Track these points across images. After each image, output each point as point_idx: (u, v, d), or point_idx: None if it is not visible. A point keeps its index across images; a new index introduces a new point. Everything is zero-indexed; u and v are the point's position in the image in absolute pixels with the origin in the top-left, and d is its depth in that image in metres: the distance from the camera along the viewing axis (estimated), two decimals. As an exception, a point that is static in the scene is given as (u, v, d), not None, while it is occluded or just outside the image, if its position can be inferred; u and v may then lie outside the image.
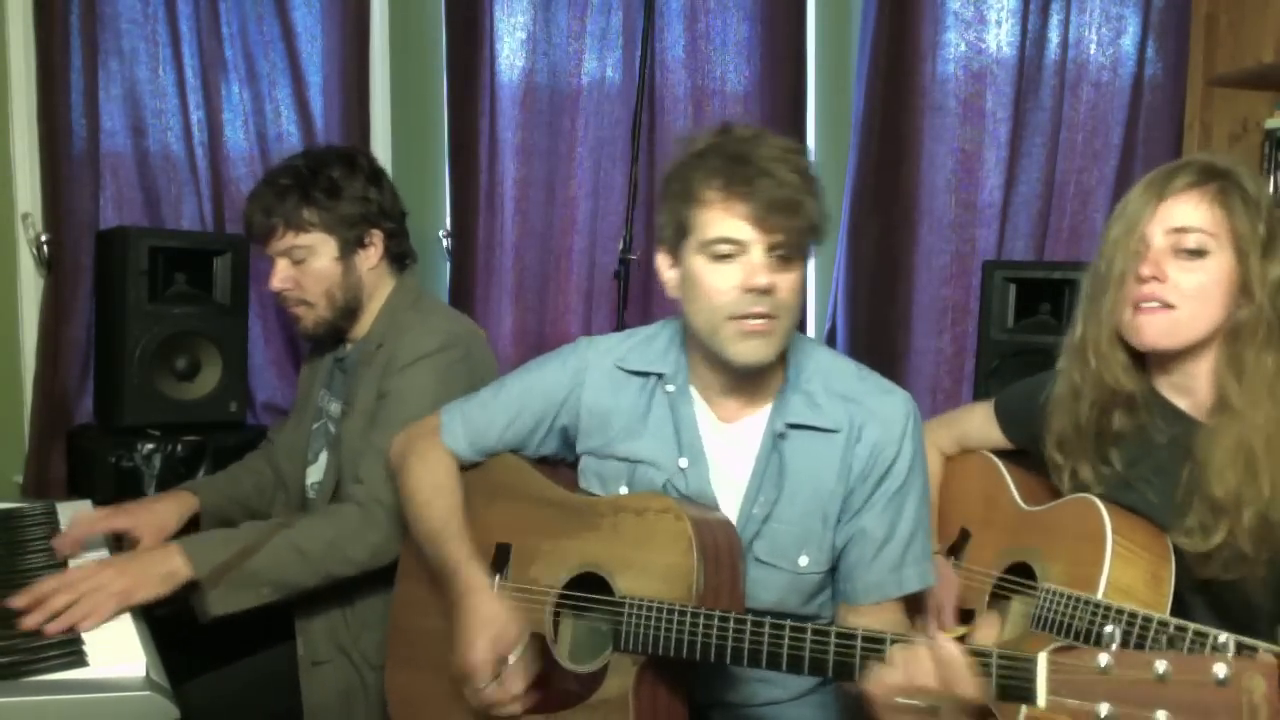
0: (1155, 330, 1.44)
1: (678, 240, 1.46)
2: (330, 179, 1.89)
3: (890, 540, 1.49)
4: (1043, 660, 1.00)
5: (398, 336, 1.88)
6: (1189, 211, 1.43)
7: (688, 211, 1.43)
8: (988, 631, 1.07)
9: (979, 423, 1.81)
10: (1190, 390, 1.49)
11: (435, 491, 1.62)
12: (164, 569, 1.58)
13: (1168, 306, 1.43)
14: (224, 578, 1.64)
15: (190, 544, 1.65)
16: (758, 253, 1.39)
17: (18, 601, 1.42)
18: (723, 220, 1.39)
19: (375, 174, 1.96)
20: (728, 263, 1.40)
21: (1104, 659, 0.95)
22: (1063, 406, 1.56)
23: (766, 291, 1.39)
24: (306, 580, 1.72)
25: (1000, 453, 1.79)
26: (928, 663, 1.07)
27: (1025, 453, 1.77)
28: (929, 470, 1.80)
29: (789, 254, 1.41)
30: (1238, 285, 1.43)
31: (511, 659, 1.42)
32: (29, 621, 1.39)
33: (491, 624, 1.43)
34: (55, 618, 1.40)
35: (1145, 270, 1.43)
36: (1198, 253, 1.42)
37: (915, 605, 1.59)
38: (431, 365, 1.83)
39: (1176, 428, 1.49)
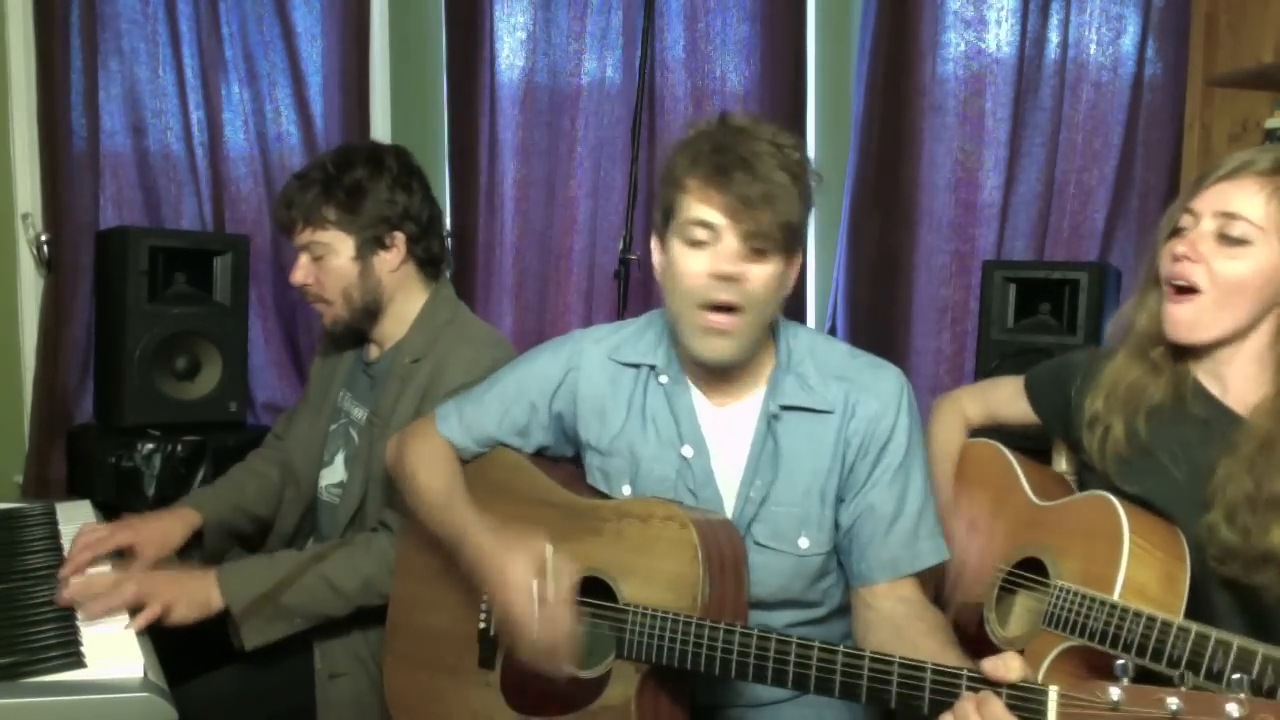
0: (1181, 321, 1.43)
1: (664, 225, 1.48)
2: (354, 179, 1.87)
3: (901, 515, 1.49)
4: (1053, 695, 0.99)
5: (441, 358, 1.86)
6: (1244, 200, 1.39)
7: (672, 195, 1.45)
8: (1014, 664, 1.07)
9: (1007, 395, 1.78)
10: (1223, 377, 1.47)
11: (433, 471, 1.62)
12: (202, 596, 1.62)
13: (1193, 290, 1.40)
14: (259, 611, 1.67)
15: (226, 575, 1.67)
16: (730, 240, 1.40)
17: (67, 595, 1.46)
18: (697, 206, 1.41)
19: (404, 176, 1.93)
20: (701, 249, 1.42)
21: (1115, 694, 0.93)
22: (1114, 368, 1.55)
23: (734, 279, 1.40)
24: (338, 613, 1.75)
25: (1010, 447, 1.78)
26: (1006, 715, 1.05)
27: (1035, 451, 1.77)
28: (951, 437, 1.80)
29: (763, 246, 1.41)
30: None
31: (549, 556, 1.38)
32: (67, 595, 1.46)
33: (514, 548, 1.41)
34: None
35: (1180, 248, 1.40)
36: (1241, 241, 1.38)
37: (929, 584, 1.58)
38: None
39: (1211, 413, 1.47)
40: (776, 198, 1.38)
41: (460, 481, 1.62)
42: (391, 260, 1.91)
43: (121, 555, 1.76)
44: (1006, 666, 1.06)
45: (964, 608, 1.66)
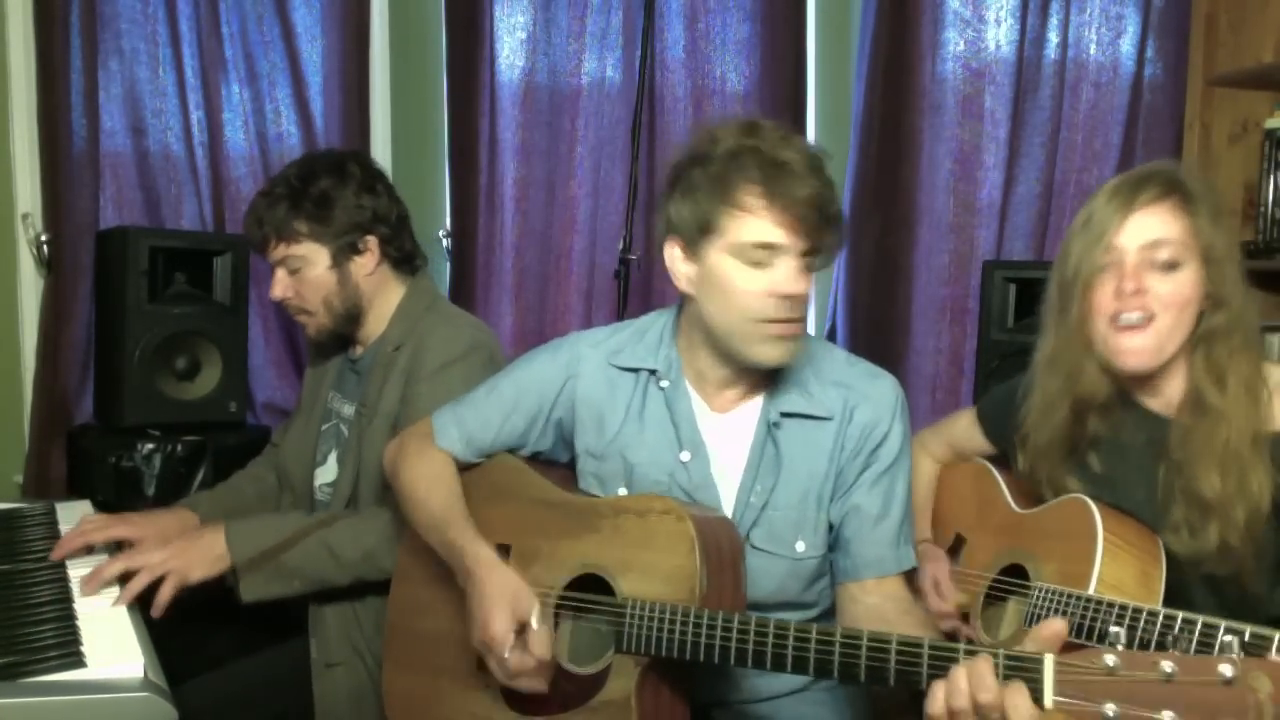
0: (1138, 353, 1.45)
1: (700, 236, 1.44)
2: (320, 190, 1.89)
3: (886, 516, 1.52)
4: (1049, 661, 1.00)
5: (420, 340, 1.88)
6: (1160, 225, 1.44)
7: (719, 211, 1.41)
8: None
9: (964, 428, 1.84)
10: (1159, 390, 1.52)
11: (433, 483, 1.61)
12: (215, 552, 1.68)
13: (1149, 319, 1.44)
14: (260, 567, 1.71)
15: (234, 529, 1.72)
16: (790, 258, 1.40)
17: (86, 589, 1.52)
18: (761, 225, 1.39)
19: (369, 180, 1.95)
20: (760, 268, 1.41)
21: (1111, 659, 0.95)
22: (1042, 419, 1.58)
23: (797, 298, 1.41)
24: (338, 581, 1.77)
25: (992, 458, 1.80)
26: (990, 678, 1.05)
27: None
28: (923, 477, 1.84)
29: (815, 260, 1.43)
30: (1206, 293, 1.45)
31: (533, 622, 1.39)
32: (85, 590, 1.51)
33: (506, 592, 1.41)
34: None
35: (1128, 285, 1.43)
36: (1172, 265, 1.44)
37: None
38: (459, 370, 1.83)
39: (1149, 428, 1.52)
40: (838, 213, 1.42)
41: (459, 498, 1.60)
42: (367, 264, 1.93)
43: (120, 548, 1.77)
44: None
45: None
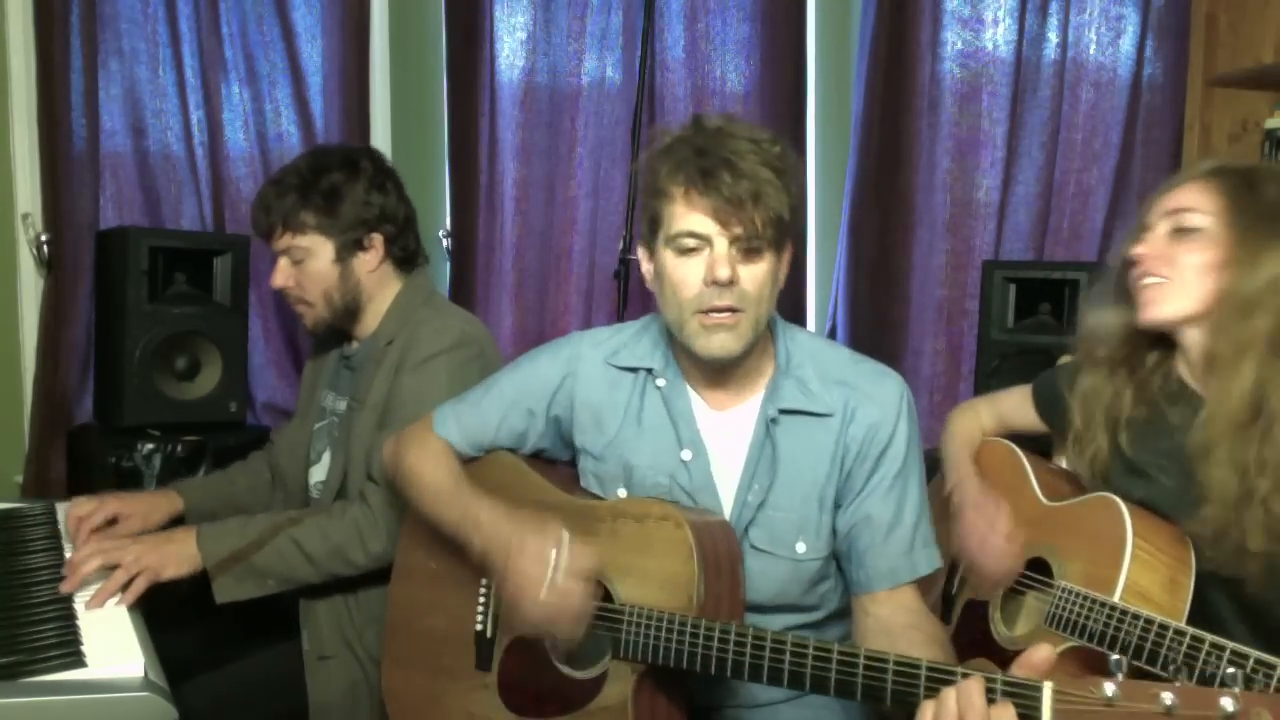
0: (1150, 302, 1.47)
1: (651, 234, 1.48)
2: (330, 184, 1.88)
3: (898, 524, 1.49)
4: (1048, 690, 0.99)
5: (410, 333, 1.88)
6: (1190, 196, 1.45)
7: (657, 206, 1.44)
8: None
9: (1016, 402, 1.81)
10: (1197, 362, 1.50)
11: (436, 465, 1.62)
12: (187, 551, 1.68)
13: (1160, 278, 1.45)
14: (230, 569, 1.71)
15: (205, 532, 1.72)
16: (720, 245, 1.39)
17: (66, 586, 1.52)
18: (686, 214, 1.40)
19: (379, 177, 1.95)
20: (693, 256, 1.41)
21: (1110, 689, 0.93)
22: (1090, 382, 1.59)
23: (729, 284, 1.39)
24: (310, 578, 1.77)
25: (1023, 444, 1.79)
26: (978, 700, 1.05)
27: (1049, 443, 1.78)
28: (969, 434, 1.83)
29: (754, 246, 1.40)
30: (1237, 275, 1.42)
31: (558, 550, 1.39)
32: (65, 587, 1.51)
33: (524, 530, 1.42)
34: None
35: (1138, 250, 1.46)
36: (1194, 230, 1.43)
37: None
38: (445, 363, 1.83)
39: (1187, 413, 1.48)
40: (762, 195, 1.37)
41: (463, 474, 1.61)
42: (370, 261, 1.93)
43: (111, 524, 1.82)
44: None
45: (971, 605, 1.66)
